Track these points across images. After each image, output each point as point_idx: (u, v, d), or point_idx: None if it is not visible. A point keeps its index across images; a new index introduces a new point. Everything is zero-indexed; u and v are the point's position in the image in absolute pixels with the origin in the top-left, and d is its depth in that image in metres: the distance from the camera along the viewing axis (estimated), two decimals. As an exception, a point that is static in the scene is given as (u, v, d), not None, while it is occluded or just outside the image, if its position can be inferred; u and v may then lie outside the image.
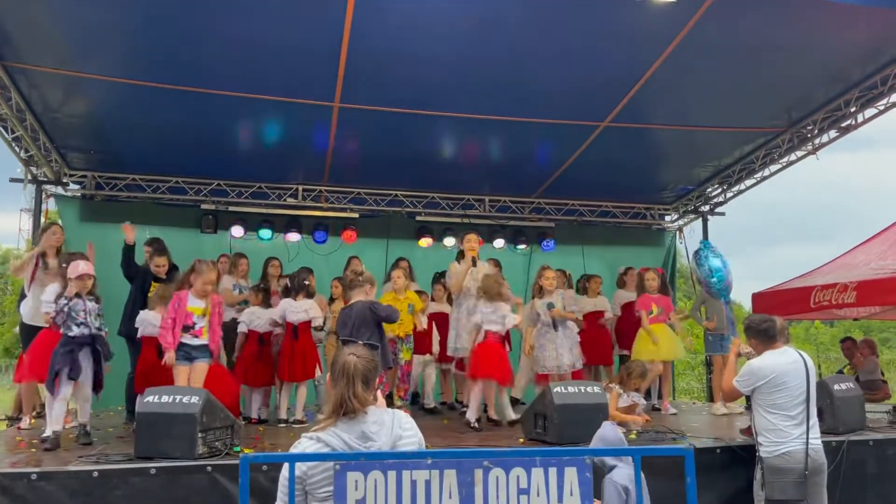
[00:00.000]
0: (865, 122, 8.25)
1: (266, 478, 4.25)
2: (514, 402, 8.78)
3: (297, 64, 6.89)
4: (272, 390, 7.40)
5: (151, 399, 4.74)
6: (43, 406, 6.39)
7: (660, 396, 8.26)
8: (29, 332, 6.50)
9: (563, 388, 5.50)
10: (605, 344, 8.67)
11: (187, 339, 5.66)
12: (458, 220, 10.76)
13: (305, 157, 9.45)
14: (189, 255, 8.21)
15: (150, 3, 5.98)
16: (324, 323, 7.38)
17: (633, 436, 5.73)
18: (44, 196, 9.38)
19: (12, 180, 9.25)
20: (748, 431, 5.22)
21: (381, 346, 5.87)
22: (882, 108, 7.97)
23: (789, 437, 4.52)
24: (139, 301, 6.90)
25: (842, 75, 7.62)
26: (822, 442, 4.66)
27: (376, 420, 2.69)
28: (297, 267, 7.96)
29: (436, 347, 7.75)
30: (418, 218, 10.72)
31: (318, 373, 7.00)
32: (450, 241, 10.51)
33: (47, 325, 5.77)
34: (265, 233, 10.07)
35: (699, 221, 11.39)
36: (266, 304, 7.33)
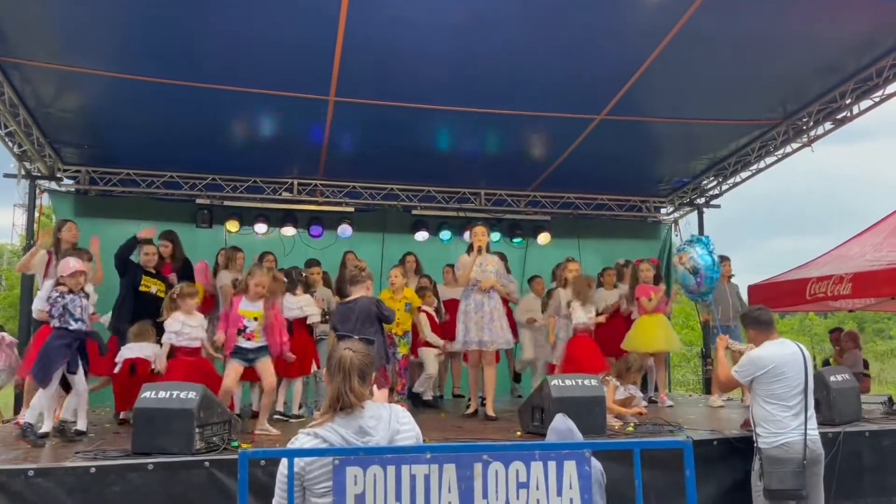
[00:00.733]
0: (861, 113, 8.25)
1: (264, 472, 4.23)
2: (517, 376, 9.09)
3: (291, 57, 6.86)
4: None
5: (148, 395, 4.72)
6: None
7: (655, 389, 8.28)
8: (40, 327, 6.49)
9: (560, 381, 5.49)
10: (621, 335, 8.61)
11: (241, 343, 5.64)
12: (453, 213, 10.76)
13: (300, 152, 9.42)
14: (185, 250, 8.23)
15: (144, -4, 5.95)
16: (330, 316, 7.38)
17: (630, 428, 5.75)
18: (37, 191, 9.35)
19: (6, 176, 9.24)
20: (745, 424, 5.24)
21: (381, 342, 5.87)
22: (877, 99, 7.97)
23: (787, 427, 4.54)
24: (129, 296, 6.87)
25: (837, 67, 7.62)
26: (819, 433, 4.68)
27: (373, 415, 2.68)
28: (291, 261, 7.94)
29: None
30: (414, 212, 10.72)
31: (314, 367, 6.99)
32: (445, 235, 10.57)
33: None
34: (260, 227, 10.06)
35: (695, 214, 11.40)
36: None
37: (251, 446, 4.89)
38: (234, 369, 5.67)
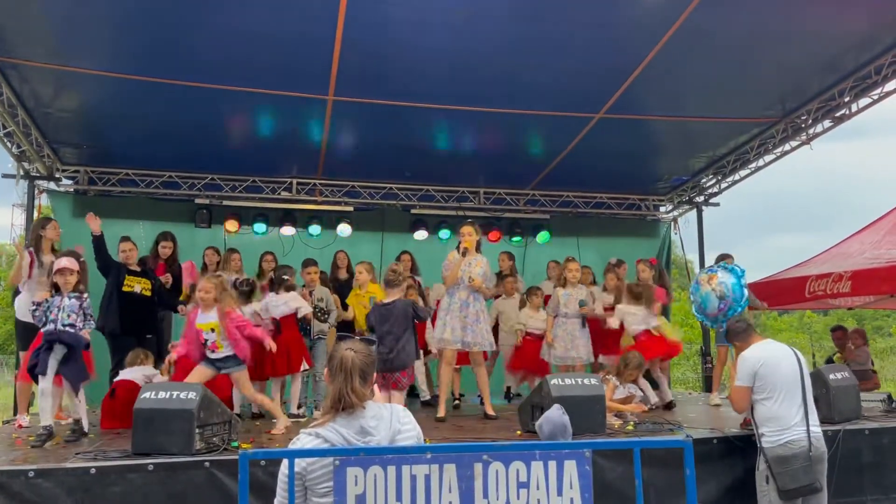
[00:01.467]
0: (859, 111, 8.26)
1: (264, 472, 4.23)
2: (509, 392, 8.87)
3: (290, 57, 6.86)
4: (268, 384, 7.36)
5: (148, 395, 4.72)
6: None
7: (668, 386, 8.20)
8: (24, 328, 6.45)
9: (559, 380, 5.49)
10: (618, 334, 8.57)
11: (209, 354, 5.55)
12: (453, 212, 10.76)
13: (299, 151, 9.41)
14: (184, 249, 8.23)
15: (142, -4, 5.94)
16: (328, 315, 7.36)
17: (630, 427, 5.75)
18: (36, 192, 9.34)
19: (5, 176, 9.21)
20: (745, 423, 5.23)
21: (413, 341, 6.01)
22: (876, 97, 7.98)
23: (789, 425, 4.56)
24: (115, 295, 6.85)
25: (835, 65, 7.63)
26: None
27: (375, 415, 2.68)
28: (291, 261, 7.92)
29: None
30: (413, 211, 10.73)
31: (304, 365, 6.95)
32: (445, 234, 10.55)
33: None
34: (259, 227, 10.05)
35: (694, 212, 11.40)
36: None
37: (251, 446, 4.89)
38: (199, 371, 5.54)
